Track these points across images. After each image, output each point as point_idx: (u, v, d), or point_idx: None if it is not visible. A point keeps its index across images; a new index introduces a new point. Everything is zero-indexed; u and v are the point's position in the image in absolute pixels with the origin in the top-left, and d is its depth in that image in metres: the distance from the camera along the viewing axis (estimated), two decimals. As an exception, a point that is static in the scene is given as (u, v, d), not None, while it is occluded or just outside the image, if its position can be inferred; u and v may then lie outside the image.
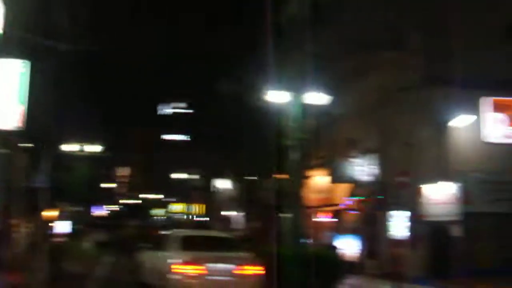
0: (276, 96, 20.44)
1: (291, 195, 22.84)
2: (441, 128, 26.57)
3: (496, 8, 27.84)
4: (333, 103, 21.87)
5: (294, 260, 19.53)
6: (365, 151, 26.94)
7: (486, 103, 16.85)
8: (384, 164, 26.49)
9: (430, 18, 27.38)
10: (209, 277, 16.37)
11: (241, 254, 17.89)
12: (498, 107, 17.16)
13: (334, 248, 25.10)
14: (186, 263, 16.51)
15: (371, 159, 27.55)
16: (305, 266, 19.42)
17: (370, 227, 27.95)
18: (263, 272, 17.20)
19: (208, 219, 60.76)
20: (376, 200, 26.45)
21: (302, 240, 20.97)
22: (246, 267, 16.98)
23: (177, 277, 16.36)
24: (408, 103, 26.12)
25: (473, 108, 25.99)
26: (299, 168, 20.62)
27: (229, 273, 16.64)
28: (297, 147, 21.78)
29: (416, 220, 24.37)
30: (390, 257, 25.51)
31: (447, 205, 21.72)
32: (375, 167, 27.10)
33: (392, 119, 26.40)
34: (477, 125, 26.30)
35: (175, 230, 22.63)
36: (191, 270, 16.34)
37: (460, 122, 26.28)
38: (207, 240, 19.35)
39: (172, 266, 16.58)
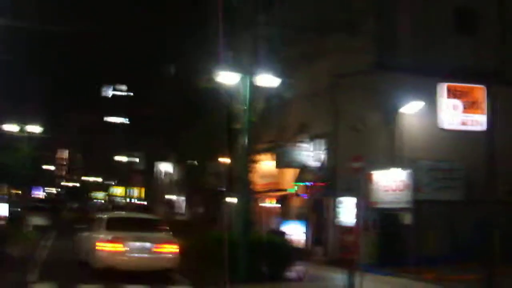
0: (226, 78, 19.68)
1: (239, 180, 22.24)
2: (391, 114, 26.35)
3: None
4: (284, 86, 21.26)
5: (244, 247, 18.91)
6: (313, 136, 26.40)
7: (441, 89, 16.46)
8: (333, 150, 26.02)
9: (382, 3, 27.08)
10: (129, 254, 18.51)
11: (160, 234, 19.94)
12: (453, 93, 16.87)
13: (283, 234, 24.60)
14: (107, 241, 18.60)
15: (320, 144, 27.10)
16: (254, 252, 18.88)
17: (318, 213, 27.53)
18: (178, 250, 19.31)
19: (146, 203, 59.71)
20: (324, 186, 26.02)
21: (250, 226, 20.31)
22: (163, 245, 19.09)
23: (100, 253, 18.51)
24: (358, 88, 25.75)
25: (423, 94, 25.81)
26: (247, 153, 19.93)
27: (147, 250, 18.79)
28: (245, 131, 21.13)
29: (366, 207, 23.94)
30: (339, 244, 25.11)
31: (398, 192, 21.39)
32: (323, 152, 26.66)
33: (341, 104, 25.97)
34: (427, 111, 26.17)
35: (104, 212, 25.06)
36: (112, 247, 18.45)
37: (410, 109, 26.07)
38: (130, 221, 21.23)
39: (96, 244, 18.76)
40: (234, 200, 22.75)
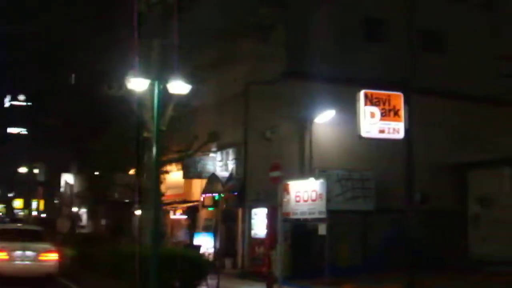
0: (134, 84, 18.68)
1: (148, 191, 21.30)
2: (302, 123, 26.00)
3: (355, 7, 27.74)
4: (194, 94, 20.44)
5: (154, 260, 17.93)
6: (223, 145, 25.69)
7: (359, 96, 16.16)
8: (243, 159, 25.39)
9: (291, 10, 26.72)
10: (14, 262, 20.79)
11: (43, 244, 22.11)
12: (370, 100, 16.55)
13: (197, 247, 23.77)
14: None
15: (229, 154, 26.46)
16: (166, 266, 17.95)
17: (227, 224, 26.83)
18: (58, 258, 21.98)
19: (44, 215, 57.35)
20: (234, 197, 25.37)
21: (161, 239, 19.37)
22: (44, 254, 21.47)
23: None
24: (269, 96, 25.29)
25: (336, 103, 25.57)
26: (157, 163, 18.99)
27: (31, 258, 21.13)
28: (155, 140, 20.20)
29: (279, 218, 23.42)
30: (250, 256, 24.52)
31: (311, 203, 20.89)
32: (233, 162, 26.02)
33: (252, 112, 25.43)
34: (339, 120, 25.95)
35: None
36: None
37: (322, 118, 25.80)
38: (18, 232, 23.83)
39: None
40: (141, 212, 21.73)
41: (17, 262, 20.87)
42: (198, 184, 28.62)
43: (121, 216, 41.76)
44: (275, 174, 14.96)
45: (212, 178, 26.20)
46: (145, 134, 20.62)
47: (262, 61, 25.46)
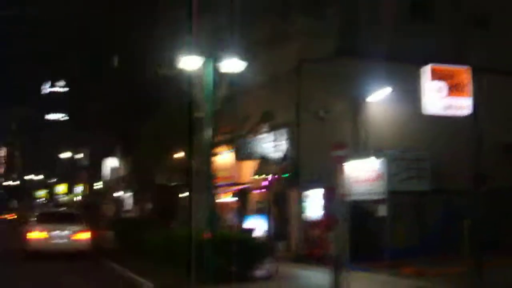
0: (187, 62, 18.10)
1: (201, 174, 20.78)
2: (356, 102, 25.24)
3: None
4: (246, 72, 19.80)
5: (210, 245, 17.43)
6: (275, 125, 24.97)
7: (425, 70, 15.30)
8: (296, 139, 24.66)
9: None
10: (51, 241, 25.56)
11: (77, 226, 26.74)
12: (437, 75, 15.67)
13: (251, 231, 23.18)
14: (34, 231, 26.04)
15: (281, 134, 25.76)
16: (222, 251, 17.41)
17: (279, 207, 26.18)
18: (90, 237, 26.65)
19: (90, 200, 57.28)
20: (287, 178, 24.72)
21: (216, 223, 18.83)
22: (78, 234, 26.28)
23: (29, 241, 25.86)
24: (323, 75, 24.52)
25: (390, 81, 24.77)
26: (211, 144, 18.44)
27: (66, 237, 25.95)
28: (208, 121, 19.66)
29: (336, 200, 22.70)
30: (304, 239, 23.87)
31: (370, 183, 20.19)
32: (286, 142, 25.32)
33: (305, 91, 24.68)
34: (393, 99, 25.17)
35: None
36: (37, 235, 25.78)
37: (376, 96, 25.02)
38: (57, 216, 29.35)
39: (27, 234, 26.35)
40: (193, 195, 21.23)
41: (54, 241, 25.54)
42: (248, 166, 27.98)
43: (168, 200, 41.47)
44: (338, 153, 14.16)
45: (265, 160, 25.52)
46: (197, 115, 20.02)
47: (315, 38, 24.73)
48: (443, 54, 24.18)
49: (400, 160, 23.76)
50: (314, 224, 23.37)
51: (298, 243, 24.37)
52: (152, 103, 38.72)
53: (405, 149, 24.19)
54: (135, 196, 48.39)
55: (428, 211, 24.53)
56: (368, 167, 20.28)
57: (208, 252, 17.36)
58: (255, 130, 22.86)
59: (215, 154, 24.87)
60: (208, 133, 18.83)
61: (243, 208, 29.33)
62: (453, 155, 25.49)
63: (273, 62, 24.81)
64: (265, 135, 25.70)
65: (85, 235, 26.25)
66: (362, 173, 20.63)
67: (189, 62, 18.05)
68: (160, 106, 30.12)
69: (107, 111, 54.27)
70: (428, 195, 24.23)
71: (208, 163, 19.71)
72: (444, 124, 24.49)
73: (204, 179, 20.53)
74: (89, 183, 56.89)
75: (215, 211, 18.70)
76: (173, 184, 40.46)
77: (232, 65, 18.35)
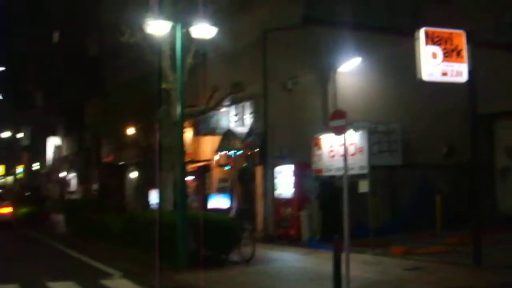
0: (154, 27, 16.40)
1: (169, 150, 19.28)
2: (325, 73, 23.91)
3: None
4: (213, 40, 18.24)
5: (183, 228, 15.93)
6: (239, 98, 23.42)
7: (419, 34, 14.02)
8: (264, 112, 23.21)
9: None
10: None
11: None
12: (431, 39, 14.42)
13: (225, 210, 21.75)
14: None
15: (245, 107, 24.31)
16: (195, 234, 15.89)
17: (244, 184, 24.75)
18: (12, 210, 33.75)
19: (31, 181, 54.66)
20: (254, 154, 23.30)
21: (186, 203, 17.29)
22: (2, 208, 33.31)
23: None
24: (290, 44, 23.12)
25: (359, 51, 23.53)
26: (182, 117, 16.82)
27: None
28: (178, 92, 18.06)
29: (308, 176, 21.45)
30: (274, 219, 22.54)
31: (351, 157, 18.85)
32: (250, 116, 23.87)
33: (272, 62, 23.19)
34: (363, 69, 23.96)
35: None
36: None
37: (346, 67, 23.75)
38: None
39: None
40: (161, 174, 19.68)
41: None
42: (208, 142, 26.43)
43: (115, 180, 39.69)
44: (338, 123, 12.73)
45: (228, 135, 23.98)
46: (164, 86, 18.41)
47: (281, 4, 23.24)
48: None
49: (371, 133, 22.61)
50: (284, 202, 22.02)
51: (267, 223, 22.96)
52: (103, 76, 36.89)
53: (375, 121, 23.10)
54: (79, 177, 46.36)
55: (401, 186, 23.56)
56: (347, 140, 18.94)
57: (179, 235, 15.85)
58: (222, 103, 21.24)
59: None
60: (178, 106, 17.18)
61: (202, 187, 27.79)
62: (423, 128, 24.52)
63: (237, 31, 23.17)
64: (225, 109, 24.14)
65: (7, 210, 33.44)
66: (340, 147, 19.29)
67: (157, 27, 16.34)
68: (113, 79, 28.22)
69: (49, 88, 52.03)
70: (400, 169, 23.27)
71: (180, 138, 18.17)
72: (414, 96, 23.53)
73: (172, 156, 19.09)
74: (30, 164, 54.39)
75: (185, 189, 16.98)
76: (121, 163, 38.74)
77: (203, 30, 16.73)
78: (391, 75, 24.06)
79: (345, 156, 13.25)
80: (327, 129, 21.77)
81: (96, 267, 17.44)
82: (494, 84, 24.33)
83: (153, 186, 30.78)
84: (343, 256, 11.69)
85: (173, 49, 18.15)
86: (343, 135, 13.05)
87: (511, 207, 24.15)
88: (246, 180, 24.49)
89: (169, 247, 15.50)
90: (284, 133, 22.84)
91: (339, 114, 12.95)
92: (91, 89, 41.77)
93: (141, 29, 18.23)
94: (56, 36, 52.23)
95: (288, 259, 18.23)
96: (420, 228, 21.41)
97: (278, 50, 23.07)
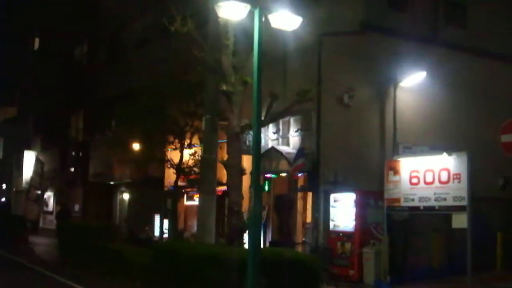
0: (227, 10, 12.92)
1: (207, 169, 15.94)
2: (384, 87, 20.75)
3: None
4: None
5: (255, 268, 12.25)
6: (281, 112, 19.84)
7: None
8: (316, 130, 19.77)
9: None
10: None
11: None
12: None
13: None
14: None
15: (292, 123, 20.94)
16: (273, 275, 12.34)
17: (283, 213, 21.24)
18: None
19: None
20: (305, 177, 19.88)
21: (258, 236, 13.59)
22: None
23: None
24: (346, 51, 19.87)
25: (422, 65, 20.51)
26: (258, 125, 13.24)
27: None
28: (237, 95, 14.70)
29: (372, 205, 18.15)
30: (328, 255, 18.95)
31: (441, 186, 15.60)
32: (299, 133, 20.51)
33: (326, 71, 19.81)
34: (426, 85, 20.87)
35: None
36: None
37: (408, 81, 20.65)
38: None
39: None
40: (200, 198, 16.16)
41: None
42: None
43: (104, 200, 35.84)
44: (509, 138, 9.45)
45: (271, 154, 20.38)
46: (224, 88, 14.93)
47: (339, 5, 19.93)
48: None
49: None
50: (342, 236, 18.56)
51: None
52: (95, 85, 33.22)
53: (436, 146, 19.92)
54: (57, 196, 42.17)
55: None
56: (438, 165, 15.72)
57: (251, 279, 12.18)
58: (284, 114, 17.62)
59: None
60: (256, 111, 13.62)
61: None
62: (483, 157, 21.43)
63: (288, 32, 19.78)
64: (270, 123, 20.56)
65: None
66: (427, 172, 16.03)
67: (232, 10, 12.85)
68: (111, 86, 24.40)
69: (25, 97, 47.89)
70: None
71: (238, 154, 14.79)
72: (480, 121, 20.69)
73: (214, 175, 15.74)
74: (3, 180, 49.97)
75: (261, 219, 13.35)
76: (111, 183, 34.94)
77: (286, 20, 13.34)
78: (456, 94, 21.16)
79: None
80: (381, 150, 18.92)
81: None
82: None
83: (156, 210, 27.28)
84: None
85: (237, 43, 14.85)
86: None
87: None
88: (283, 209, 21.00)
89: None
90: (339, 156, 19.51)
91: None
92: (78, 100, 38.02)
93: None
94: (36, 42, 48.31)
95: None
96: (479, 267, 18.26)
97: (333, 58, 19.77)
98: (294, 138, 20.74)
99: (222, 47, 14.95)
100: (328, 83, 19.57)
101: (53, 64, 41.37)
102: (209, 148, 16.46)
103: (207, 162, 16.49)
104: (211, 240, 16.17)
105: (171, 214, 23.60)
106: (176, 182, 22.13)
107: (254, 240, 12.51)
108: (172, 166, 22.26)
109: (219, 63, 15.01)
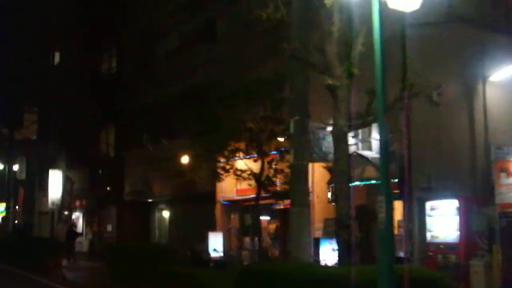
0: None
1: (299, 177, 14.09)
2: (472, 82, 18.88)
3: None
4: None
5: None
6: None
7: None
8: (405, 131, 17.74)
9: None
10: None
11: None
12: None
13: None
14: None
15: (370, 126, 18.96)
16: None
17: (366, 226, 19.24)
18: None
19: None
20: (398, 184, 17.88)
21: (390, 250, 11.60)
22: None
23: None
24: (432, 43, 18.01)
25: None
26: (382, 124, 11.36)
27: None
28: (345, 89, 12.87)
29: (476, 213, 16.22)
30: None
31: None
32: (390, 135, 18.47)
33: (413, 64, 17.85)
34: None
35: None
36: None
37: (498, 76, 18.80)
38: None
39: None
40: (292, 211, 14.26)
41: None
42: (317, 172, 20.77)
43: (139, 219, 34.00)
44: None
45: (357, 160, 18.39)
46: (330, 81, 13.04)
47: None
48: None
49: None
50: (444, 248, 16.61)
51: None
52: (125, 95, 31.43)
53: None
54: (87, 216, 40.33)
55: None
56: None
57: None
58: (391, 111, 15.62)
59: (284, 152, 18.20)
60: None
61: (283, 230, 22.29)
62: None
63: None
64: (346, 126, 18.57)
65: None
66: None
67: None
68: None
69: (48, 114, 46.03)
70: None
71: (346, 157, 12.94)
72: None
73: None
74: (25, 201, 47.92)
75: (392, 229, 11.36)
76: (150, 200, 33.11)
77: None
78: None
79: None
80: (497, 152, 17.10)
81: None
82: None
83: (210, 227, 25.29)
84: None
85: (343, 29, 13.02)
86: None
87: None
88: (367, 221, 19.00)
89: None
90: (431, 159, 17.57)
91: None
92: (107, 114, 36.17)
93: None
94: (57, 57, 46.57)
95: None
96: None
97: (419, 51, 17.84)
98: (377, 142, 18.76)
99: (325, 35, 13.08)
100: (415, 79, 17.63)
101: (75, 79, 39.50)
102: (299, 154, 14.58)
103: (298, 169, 14.58)
104: (307, 258, 14.32)
105: (252, 231, 21.57)
106: (257, 195, 19.92)
107: (386, 258, 10.61)
108: (249, 177, 19.96)
109: (321, 53, 13.10)
